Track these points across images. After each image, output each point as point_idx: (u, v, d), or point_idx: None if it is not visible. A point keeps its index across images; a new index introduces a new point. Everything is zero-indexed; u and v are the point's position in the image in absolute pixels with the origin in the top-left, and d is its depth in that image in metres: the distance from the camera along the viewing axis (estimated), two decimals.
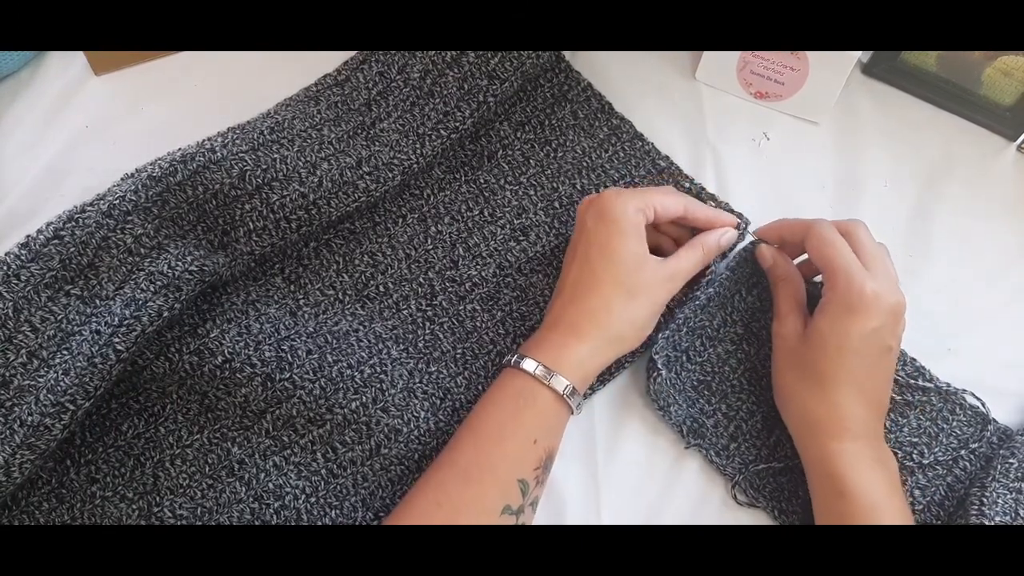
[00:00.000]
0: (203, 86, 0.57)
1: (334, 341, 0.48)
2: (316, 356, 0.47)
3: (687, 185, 0.51)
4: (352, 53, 0.55)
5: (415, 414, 0.47)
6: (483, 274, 0.51)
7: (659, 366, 0.47)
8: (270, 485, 0.46)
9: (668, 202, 0.47)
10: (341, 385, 0.46)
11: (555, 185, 0.54)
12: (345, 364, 0.47)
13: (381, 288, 0.51)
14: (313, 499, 0.46)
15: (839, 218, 0.48)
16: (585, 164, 0.54)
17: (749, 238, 0.50)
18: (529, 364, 0.43)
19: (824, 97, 0.55)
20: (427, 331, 0.50)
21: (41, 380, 0.43)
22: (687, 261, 0.47)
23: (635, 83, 0.57)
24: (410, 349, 0.49)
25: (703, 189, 0.51)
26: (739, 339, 0.50)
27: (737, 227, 0.49)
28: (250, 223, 0.48)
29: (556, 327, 0.45)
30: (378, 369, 0.48)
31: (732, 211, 0.50)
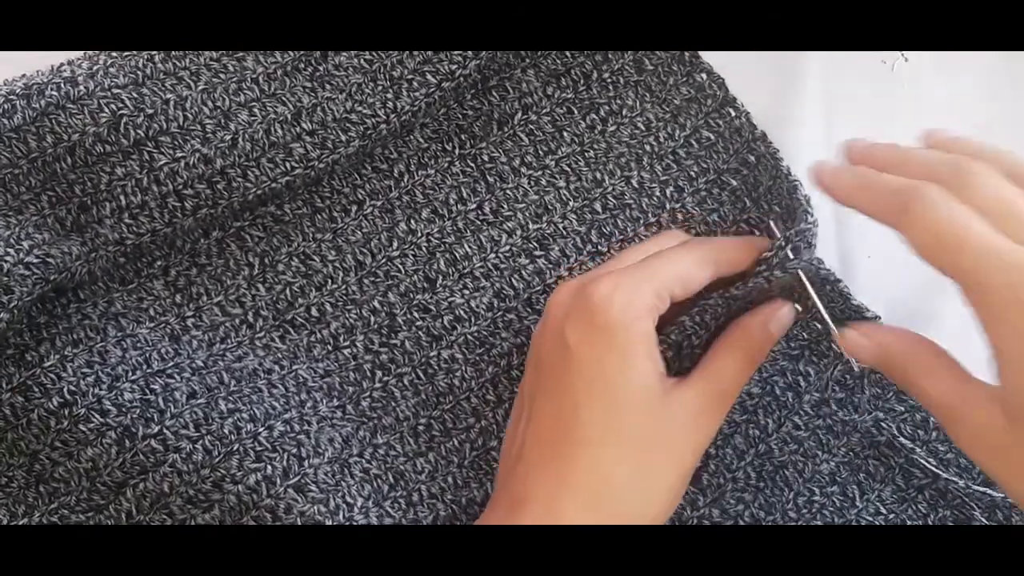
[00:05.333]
0: None
1: (232, 383, 0.41)
2: (202, 402, 0.40)
3: (785, 185, 0.42)
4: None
5: (347, 500, 0.39)
6: (473, 304, 0.43)
7: None
8: None
9: (691, 274, 0.36)
10: (237, 447, 0.39)
11: (599, 176, 0.44)
12: (246, 416, 0.40)
13: (314, 311, 0.43)
14: None
15: None
16: (649, 147, 0.44)
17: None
18: None
19: None
20: (377, 384, 0.42)
21: None
22: (729, 375, 0.35)
23: None
24: (348, 407, 0.42)
25: (799, 186, 0.42)
26: (752, 407, 0.40)
27: (776, 248, 0.38)
28: (122, 197, 0.40)
29: (523, 504, 0.34)
30: (296, 427, 0.40)
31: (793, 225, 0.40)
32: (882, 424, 0.40)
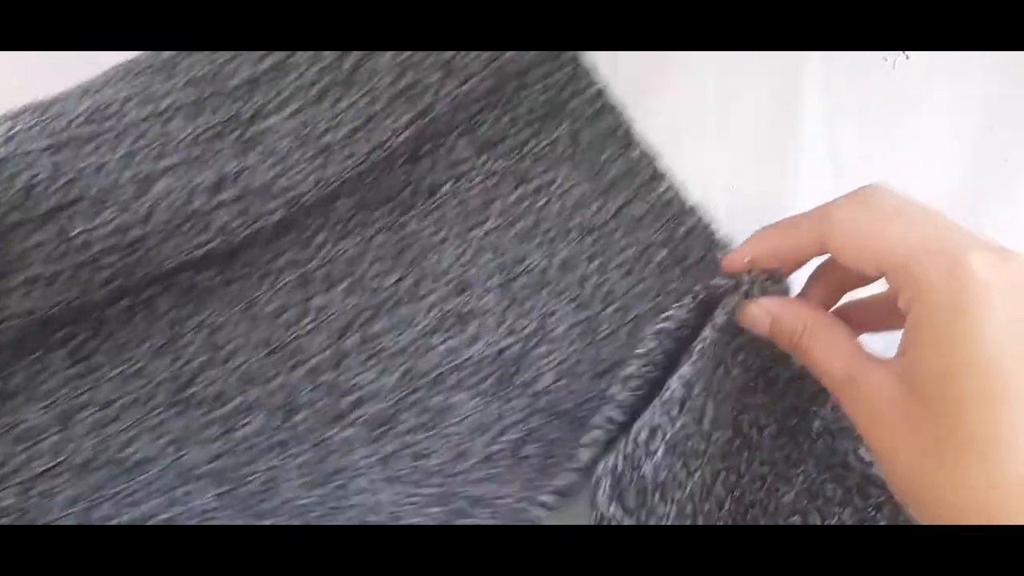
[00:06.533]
0: None
1: (120, 476, 0.38)
2: (81, 507, 0.37)
3: (719, 255, 0.41)
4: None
5: None
6: (379, 383, 0.40)
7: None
8: None
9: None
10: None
11: (523, 252, 0.42)
12: (125, 519, 0.38)
13: (214, 388, 0.39)
14: None
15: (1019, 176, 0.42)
16: (578, 221, 0.42)
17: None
18: None
19: None
20: (263, 466, 0.39)
21: None
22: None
23: None
24: (238, 490, 0.39)
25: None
26: (727, 452, 0.37)
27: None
28: (35, 268, 0.37)
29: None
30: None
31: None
32: (835, 445, 0.38)
